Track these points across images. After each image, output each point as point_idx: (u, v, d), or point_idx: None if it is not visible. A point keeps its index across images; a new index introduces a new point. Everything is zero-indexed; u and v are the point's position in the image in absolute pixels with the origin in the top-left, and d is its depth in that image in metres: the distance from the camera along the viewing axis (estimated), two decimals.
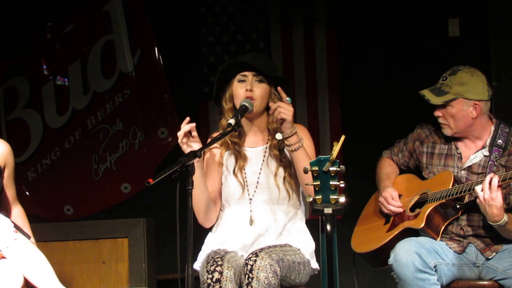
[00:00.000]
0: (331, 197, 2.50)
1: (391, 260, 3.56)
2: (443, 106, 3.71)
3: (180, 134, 3.32)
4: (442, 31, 5.32)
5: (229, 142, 3.54)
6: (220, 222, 3.57)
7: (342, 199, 2.50)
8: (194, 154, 3.11)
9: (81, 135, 6.12)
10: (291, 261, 3.36)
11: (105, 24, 6.05)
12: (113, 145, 6.04)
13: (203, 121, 5.76)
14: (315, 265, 3.51)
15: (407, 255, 3.49)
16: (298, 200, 3.57)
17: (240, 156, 3.53)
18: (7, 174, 3.74)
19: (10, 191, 3.76)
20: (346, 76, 5.61)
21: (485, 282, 3.62)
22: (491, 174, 3.49)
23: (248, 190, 3.52)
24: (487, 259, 3.61)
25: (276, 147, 3.51)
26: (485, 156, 3.69)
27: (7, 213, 3.73)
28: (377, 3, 5.46)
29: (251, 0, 5.82)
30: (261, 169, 3.52)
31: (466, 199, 3.65)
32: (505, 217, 3.48)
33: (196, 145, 3.33)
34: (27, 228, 3.75)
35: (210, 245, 3.47)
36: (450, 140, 3.78)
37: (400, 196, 3.81)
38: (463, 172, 3.71)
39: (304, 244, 3.49)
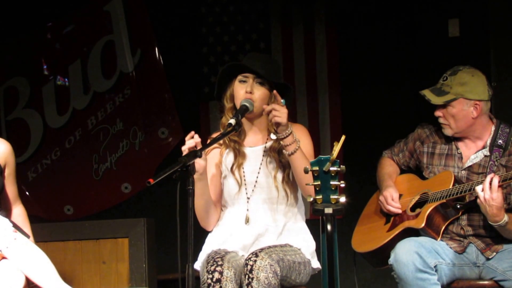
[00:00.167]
0: (331, 197, 2.50)
1: (391, 260, 3.56)
2: (444, 106, 3.71)
3: (184, 149, 3.27)
4: (442, 31, 5.32)
5: (229, 139, 3.54)
6: (220, 222, 3.57)
7: (342, 199, 2.51)
8: (195, 154, 3.10)
9: (82, 135, 6.12)
10: (291, 261, 3.36)
11: (105, 24, 6.06)
12: (113, 145, 6.04)
13: (204, 121, 5.76)
14: (315, 264, 3.51)
15: (408, 255, 3.49)
16: (297, 200, 3.57)
17: (239, 154, 3.53)
18: (8, 173, 3.74)
19: (11, 191, 3.76)
20: (346, 76, 5.61)
21: (486, 282, 3.62)
22: (492, 174, 3.49)
23: (246, 189, 3.52)
24: (488, 259, 3.62)
25: (276, 149, 3.50)
26: (485, 156, 3.70)
27: (8, 213, 3.74)
28: (377, 3, 5.46)
29: (251, 0, 5.82)
30: (260, 168, 3.53)
31: (467, 199, 3.65)
32: (506, 217, 3.49)
33: (200, 161, 3.30)
34: (27, 228, 3.75)
35: (210, 245, 3.47)
36: (450, 140, 3.78)
37: (400, 195, 3.82)
38: (463, 172, 3.71)
39: (304, 244, 3.49)
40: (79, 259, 4.60)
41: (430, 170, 3.80)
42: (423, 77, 4.23)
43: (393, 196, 3.78)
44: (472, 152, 3.73)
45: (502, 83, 4.99)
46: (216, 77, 3.62)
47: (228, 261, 3.27)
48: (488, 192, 3.45)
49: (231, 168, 3.53)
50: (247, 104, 3.41)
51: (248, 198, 3.52)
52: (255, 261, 3.24)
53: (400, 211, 3.76)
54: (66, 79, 6.17)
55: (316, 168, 2.51)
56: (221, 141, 3.52)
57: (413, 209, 3.74)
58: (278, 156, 3.50)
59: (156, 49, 5.97)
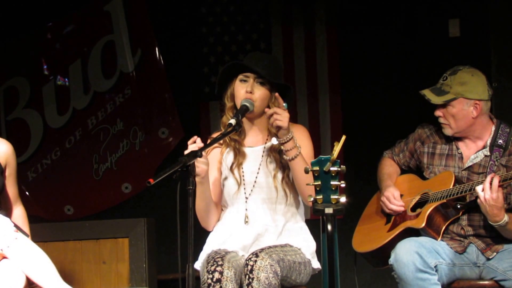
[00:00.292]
0: (332, 197, 2.50)
1: (391, 260, 3.56)
2: (444, 106, 3.71)
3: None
4: (442, 31, 5.33)
5: (230, 138, 3.54)
6: (220, 221, 3.57)
7: (343, 199, 2.51)
8: (195, 154, 3.10)
9: (82, 135, 6.11)
10: (291, 261, 3.36)
11: (105, 24, 6.05)
12: (113, 145, 6.04)
13: (204, 121, 5.76)
14: (316, 264, 3.50)
15: (408, 255, 3.49)
16: (297, 200, 3.57)
17: (239, 153, 3.53)
18: (9, 173, 3.74)
19: (12, 191, 3.76)
20: (346, 76, 5.62)
21: (486, 282, 3.62)
22: (492, 174, 3.50)
23: (244, 188, 3.52)
24: (488, 259, 3.62)
25: (276, 148, 3.50)
26: (485, 156, 3.70)
27: (8, 213, 3.73)
28: (378, 3, 5.46)
29: (251, 1, 5.82)
30: (259, 168, 3.53)
31: (467, 199, 3.65)
32: (506, 217, 3.49)
33: (203, 165, 3.31)
34: (26, 229, 3.75)
35: (211, 245, 3.47)
36: (451, 140, 3.78)
37: (401, 196, 3.82)
38: (464, 172, 3.71)
39: (304, 244, 3.49)
40: (79, 259, 4.60)
41: (431, 170, 3.80)
42: (423, 77, 4.22)
43: (394, 195, 3.78)
44: (473, 152, 3.73)
45: (503, 83, 5.00)
46: (216, 77, 3.63)
47: (228, 261, 3.27)
48: (488, 192, 3.46)
49: (231, 167, 3.53)
50: (247, 104, 3.41)
51: (247, 198, 3.52)
52: (256, 261, 3.24)
53: (403, 209, 3.76)
54: (66, 79, 6.17)
55: (317, 168, 2.51)
56: (221, 141, 3.52)
57: (413, 209, 3.74)
58: (278, 156, 3.50)
59: (157, 49, 5.97)
